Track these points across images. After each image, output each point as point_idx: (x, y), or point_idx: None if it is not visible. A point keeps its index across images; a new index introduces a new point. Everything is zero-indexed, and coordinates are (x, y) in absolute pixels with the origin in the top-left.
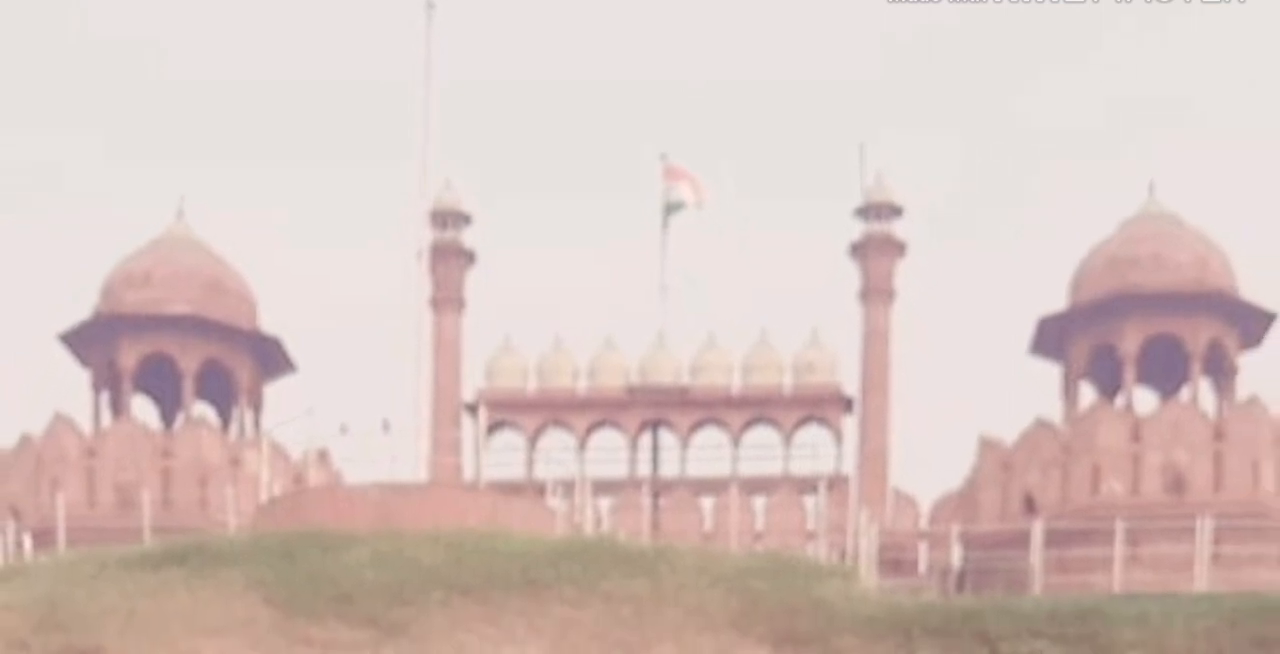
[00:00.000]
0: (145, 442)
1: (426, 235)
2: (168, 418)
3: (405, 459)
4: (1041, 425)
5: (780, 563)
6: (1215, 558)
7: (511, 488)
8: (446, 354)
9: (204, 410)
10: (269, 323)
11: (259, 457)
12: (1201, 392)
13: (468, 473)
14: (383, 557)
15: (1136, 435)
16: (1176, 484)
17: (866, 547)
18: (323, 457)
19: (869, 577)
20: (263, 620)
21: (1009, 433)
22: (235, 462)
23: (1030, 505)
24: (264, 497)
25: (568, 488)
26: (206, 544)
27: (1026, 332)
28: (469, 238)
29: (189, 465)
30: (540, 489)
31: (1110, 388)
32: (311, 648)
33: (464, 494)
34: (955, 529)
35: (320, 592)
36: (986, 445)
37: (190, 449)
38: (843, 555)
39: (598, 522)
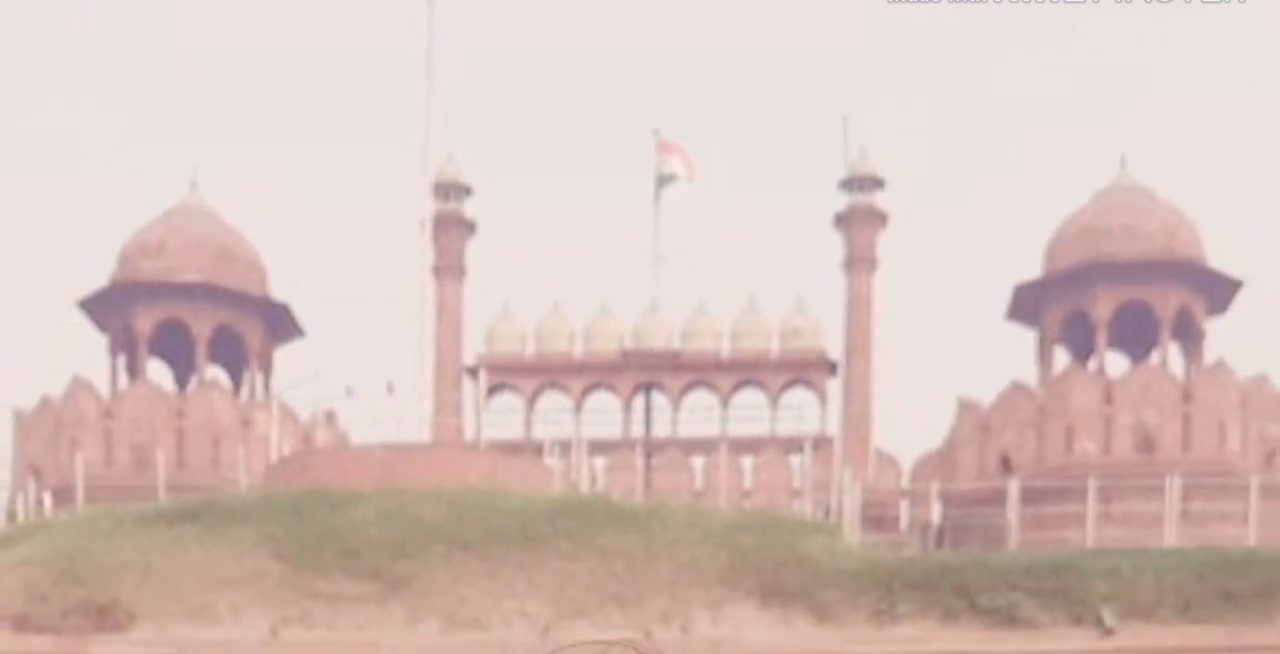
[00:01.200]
0: (160, 403)
1: (429, 206)
2: (181, 381)
3: (409, 420)
4: (1017, 388)
5: (767, 519)
6: (1183, 515)
7: (511, 448)
8: (448, 320)
9: (216, 373)
10: (278, 290)
11: (269, 418)
12: (1171, 356)
13: (469, 433)
14: (387, 514)
15: (1108, 398)
16: (1146, 444)
17: (850, 504)
18: (330, 417)
19: (852, 533)
20: (273, 574)
21: (987, 395)
22: (246, 422)
23: (1007, 464)
24: (274, 456)
25: (564, 448)
26: (218, 501)
27: (1004, 298)
28: (470, 209)
29: (202, 426)
30: (538, 449)
31: (1083, 352)
32: (319, 601)
33: (464, 453)
34: (935, 487)
35: (327, 547)
36: (965, 407)
37: (203, 410)
38: (827, 513)
39: (593, 480)
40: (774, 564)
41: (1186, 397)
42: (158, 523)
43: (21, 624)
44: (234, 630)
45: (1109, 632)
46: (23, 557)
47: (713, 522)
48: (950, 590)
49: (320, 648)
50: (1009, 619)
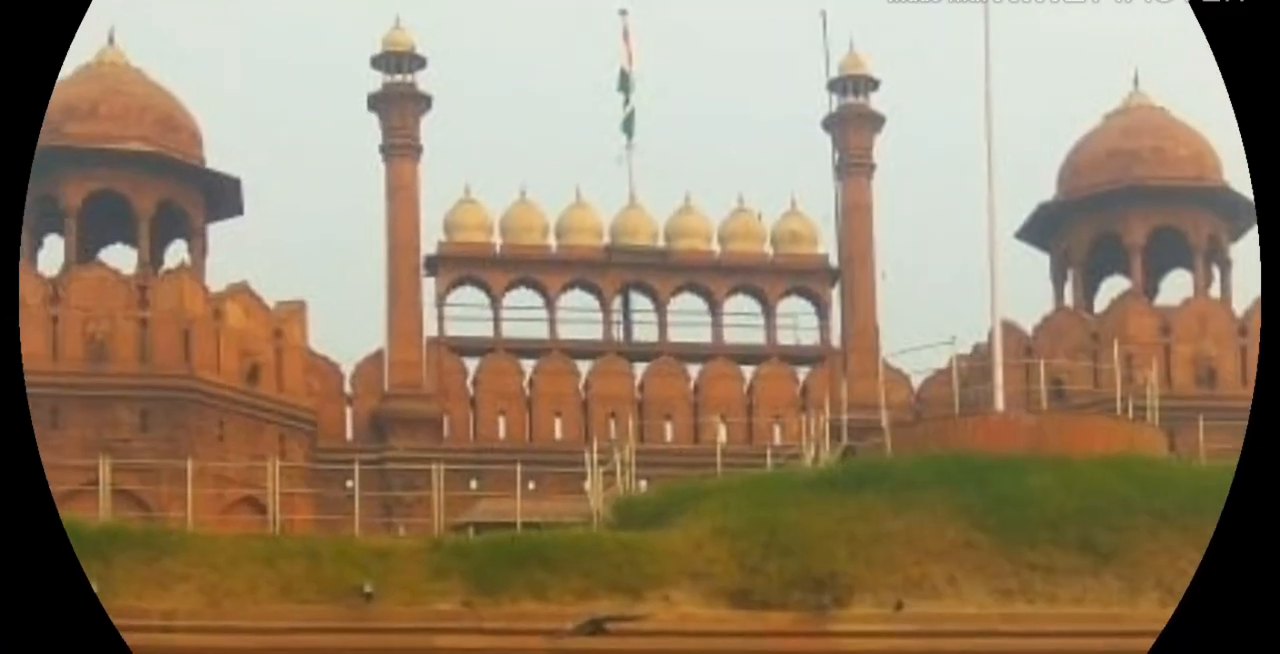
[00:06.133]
0: (119, 289)
1: (377, 78)
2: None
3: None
4: (1066, 312)
5: None
6: None
7: (477, 349)
8: (404, 203)
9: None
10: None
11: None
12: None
13: (428, 331)
14: (1067, 482)
15: (1166, 328)
16: (1208, 377)
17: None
18: (299, 311)
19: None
20: (981, 545)
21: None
22: (218, 314)
23: (1059, 391)
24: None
25: (536, 350)
26: (892, 467)
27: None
28: (424, 80)
29: (169, 316)
30: (511, 350)
31: (1097, 276)
32: (1035, 572)
33: (1116, 422)
34: None
35: (1025, 516)
36: (1006, 328)
37: (171, 299)
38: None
39: (585, 387)
40: None
41: (1243, 330)
42: (826, 489)
43: (742, 599)
44: (954, 604)
45: None
46: (715, 526)
47: None
48: None
49: (1042, 622)
50: None
